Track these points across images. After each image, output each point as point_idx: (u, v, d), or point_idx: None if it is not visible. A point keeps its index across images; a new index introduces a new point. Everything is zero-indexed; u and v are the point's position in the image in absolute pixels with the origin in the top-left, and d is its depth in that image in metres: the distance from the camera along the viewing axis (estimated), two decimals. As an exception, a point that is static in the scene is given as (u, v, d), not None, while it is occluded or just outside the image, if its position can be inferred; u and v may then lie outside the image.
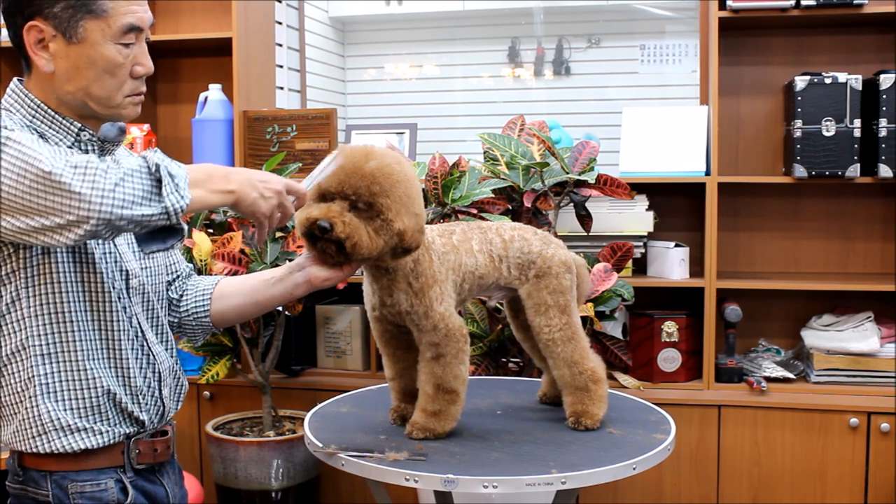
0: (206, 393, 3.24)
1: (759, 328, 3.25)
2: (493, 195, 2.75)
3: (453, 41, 5.14)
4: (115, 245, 1.54)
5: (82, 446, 1.48)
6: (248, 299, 1.72)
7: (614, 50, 4.91)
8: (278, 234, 2.83)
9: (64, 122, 1.51)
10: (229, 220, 2.88)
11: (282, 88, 3.92)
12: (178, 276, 1.76)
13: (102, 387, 1.49)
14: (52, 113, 1.50)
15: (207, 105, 3.30)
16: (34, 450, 1.47)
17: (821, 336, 3.00)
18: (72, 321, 1.47)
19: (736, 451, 2.95)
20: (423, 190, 2.75)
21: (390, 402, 1.96)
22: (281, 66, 3.91)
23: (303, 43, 4.25)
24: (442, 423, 1.81)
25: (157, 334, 1.62)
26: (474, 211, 2.71)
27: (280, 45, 3.91)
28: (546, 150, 2.83)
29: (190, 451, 3.26)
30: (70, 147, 1.51)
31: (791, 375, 3.00)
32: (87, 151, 1.53)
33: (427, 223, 2.63)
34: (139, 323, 1.57)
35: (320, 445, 1.78)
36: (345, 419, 1.99)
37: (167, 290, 1.72)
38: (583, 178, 2.71)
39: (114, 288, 1.51)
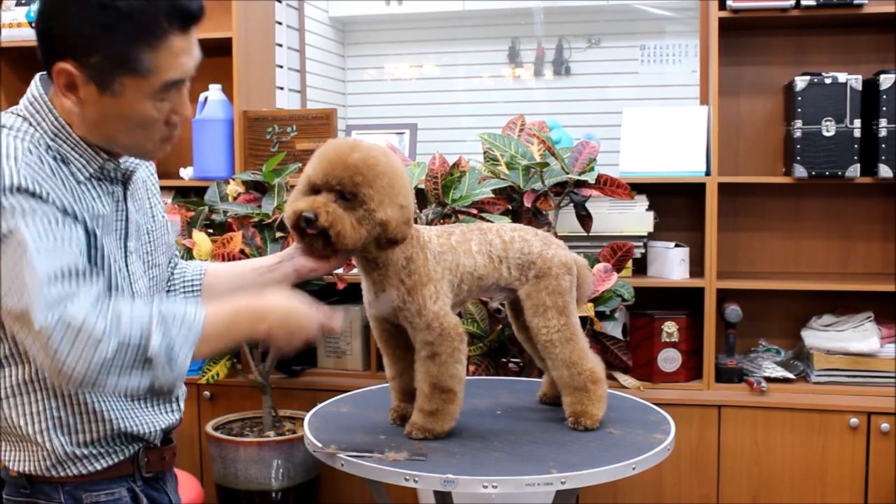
0: (207, 393, 3.24)
1: (759, 328, 3.25)
2: (493, 195, 2.75)
3: (453, 41, 5.14)
4: (127, 269, 1.47)
5: (97, 468, 1.44)
6: (236, 288, 1.70)
7: (614, 50, 4.91)
8: (278, 234, 2.84)
9: (89, 149, 1.38)
10: (229, 220, 2.88)
11: (282, 88, 3.92)
12: (175, 264, 1.73)
13: (113, 419, 1.44)
14: (77, 138, 1.37)
15: (207, 105, 3.30)
16: (47, 475, 1.42)
17: (821, 336, 3.00)
18: None
19: (736, 451, 2.95)
20: (423, 190, 2.75)
21: (390, 402, 1.96)
22: (281, 66, 3.91)
23: (303, 43, 4.25)
24: (440, 423, 1.81)
25: None
26: (474, 211, 2.71)
27: (280, 45, 3.91)
28: (546, 151, 2.83)
29: (190, 452, 3.26)
30: (92, 177, 1.40)
31: (791, 375, 3.00)
32: (111, 180, 1.43)
33: (427, 223, 2.63)
34: None
35: (320, 445, 1.78)
36: (345, 419, 1.99)
37: None
38: (583, 178, 2.71)
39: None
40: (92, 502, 1.44)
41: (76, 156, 1.38)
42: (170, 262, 1.70)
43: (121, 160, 1.45)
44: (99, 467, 1.44)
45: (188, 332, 1.31)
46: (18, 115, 1.37)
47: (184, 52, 1.35)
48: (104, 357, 1.23)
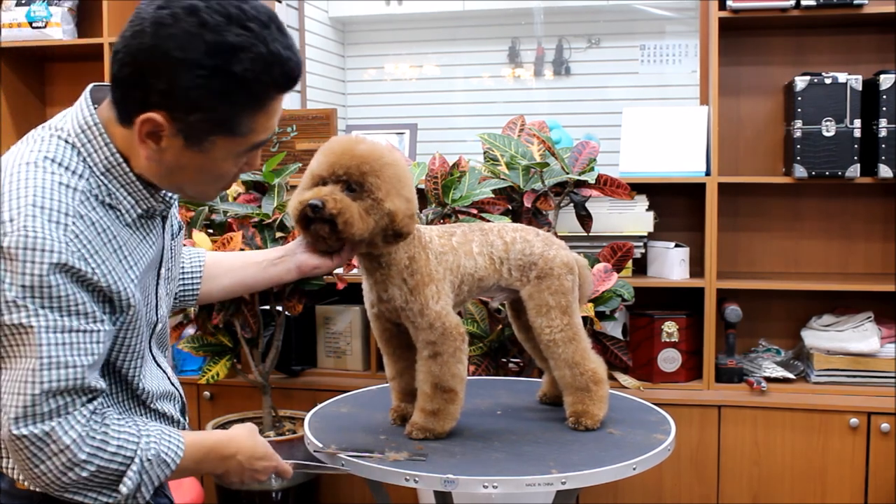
0: (207, 393, 3.24)
1: (759, 328, 3.26)
2: (493, 195, 2.75)
3: (453, 41, 5.15)
4: (156, 294, 1.45)
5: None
6: (237, 281, 1.73)
7: (614, 50, 4.92)
8: (278, 234, 2.83)
9: (144, 191, 1.33)
10: (229, 220, 2.88)
11: (282, 88, 3.92)
12: None
13: None
14: (133, 176, 1.30)
15: (207, 105, 3.30)
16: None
17: (821, 336, 3.00)
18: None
19: (736, 451, 2.95)
20: (423, 190, 2.75)
21: (390, 402, 1.96)
22: (281, 67, 3.91)
23: (303, 43, 4.26)
24: (441, 423, 1.81)
25: (165, 357, 1.58)
26: (474, 211, 2.71)
27: (280, 46, 3.90)
28: (546, 151, 2.83)
29: (190, 452, 3.26)
30: (139, 217, 1.35)
31: (791, 375, 3.00)
32: (153, 216, 1.39)
33: (427, 223, 2.63)
34: (160, 363, 1.53)
35: (320, 445, 1.78)
36: (345, 419, 1.99)
37: None
38: (583, 178, 2.71)
39: (143, 341, 1.42)
40: None
41: (126, 194, 1.31)
42: None
43: (164, 195, 1.40)
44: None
45: (162, 472, 1.34)
46: (67, 143, 1.29)
47: (277, 114, 1.33)
48: (76, 478, 1.26)
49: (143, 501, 1.34)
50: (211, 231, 2.94)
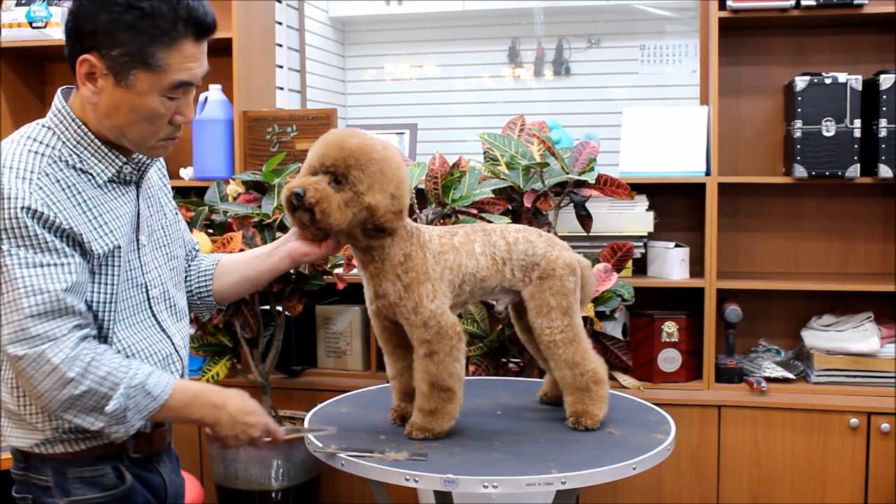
0: (207, 393, 3.23)
1: (759, 328, 3.25)
2: (493, 195, 2.75)
3: (453, 41, 5.14)
4: (139, 260, 1.59)
5: (82, 448, 1.55)
6: (241, 276, 1.83)
7: (614, 50, 4.91)
8: (278, 234, 2.84)
9: (109, 153, 1.53)
10: (229, 220, 2.88)
11: (282, 89, 3.92)
12: (193, 257, 1.85)
13: None
14: (98, 143, 1.52)
15: (207, 105, 3.30)
16: (37, 451, 1.54)
17: (821, 336, 3.00)
18: None
19: (736, 451, 2.95)
20: (423, 190, 2.75)
21: (390, 402, 1.96)
22: (281, 67, 3.91)
23: (303, 43, 4.25)
24: (440, 422, 1.81)
25: (178, 326, 1.69)
26: (474, 211, 2.71)
27: (280, 46, 3.91)
28: (546, 151, 2.83)
29: (190, 452, 3.26)
30: (111, 180, 1.54)
31: (791, 376, 3.00)
32: (127, 182, 1.58)
33: (427, 223, 2.63)
34: (166, 328, 1.64)
35: (320, 445, 1.78)
36: (345, 419, 1.99)
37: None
38: (583, 178, 2.71)
39: (135, 303, 1.59)
40: (76, 477, 1.54)
41: (96, 161, 1.52)
42: (188, 255, 1.82)
43: (134, 160, 1.58)
44: (83, 447, 1.54)
45: (148, 403, 1.49)
46: (44, 126, 1.52)
47: (193, 59, 1.50)
48: (67, 396, 1.43)
49: (132, 431, 1.50)
50: (211, 231, 2.94)
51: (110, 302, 1.53)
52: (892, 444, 2.83)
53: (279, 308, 2.96)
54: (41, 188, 1.43)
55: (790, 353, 3.18)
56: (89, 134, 1.52)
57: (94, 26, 1.44)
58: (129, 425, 1.49)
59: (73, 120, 1.52)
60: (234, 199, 2.94)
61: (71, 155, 1.50)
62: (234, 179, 3.04)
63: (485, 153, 2.92)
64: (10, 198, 1.40)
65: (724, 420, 2.95)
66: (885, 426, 2.83)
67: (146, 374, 1.49)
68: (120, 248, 1.54)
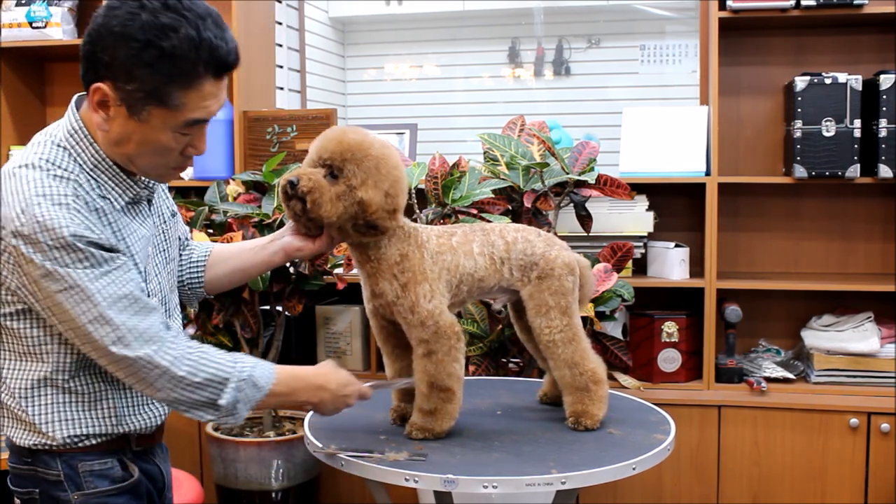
0: (206, 393, 3.23)
1: (759, 328, 3.25)
2: (493, 195, 2.75)
3: (453, 41, 5.14)
4: (144, 270, 1.58)
5: (91, 444, 1.56)
6: (234, 267, 1.83)
7: (614, 50, 4.91)
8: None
9: (127, 180, 1.52)
10: (229, 220, 2.88)
11: (282, 89, 3.92)
12: (185, 246, 1.84)
13: (116, 418, 1.57)
14: (116, 168, 1.50)
15: (207, 105, 3.30)
16: (44, 447, 1.54)
17: (821, 336, 3.00)
18: (97, 364, 1.52)
19: (736, 451, 2.95)
20: (423, 190, 2.75)
21: (390, 402, 1.96)
22: (281, 67, 3.91)
23: (303, 43, 4.25)
24: (439, 422, 1.81)
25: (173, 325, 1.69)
26: (474, 211, 2.71)
27: (280, 46, 3.91)
28: (546, 151, 2.83)
29: (190, 452, 3.26)
30: (127, 204, 1.53)
31: (791, 376, 3.00)
32: (140, 201, 1.57)
33: (427, 223, 2.63)
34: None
35: (320, 445, 1.78)
36: (345, 419, 1.99)
37: None
38: (583, 178, 2.71)
39: None
40: (87, 470, 1.55)
41: (113, 185, 1.51)
42: (181, 245, 1.82)
43: (144, 180, 1.57)
44: (93, 443, 1.56)
45: (255, 394, 1.54)
46: (59, 146, 1.48)
47: (212, 97, 1.47)
48: (179, 395, 1.48)
49: (241, 420, 1.55)
50: (211, 231, 2.94)
51: None
52: (892, 444, 2.83)
53: (279, 308, 2.96)
54: (79, 212, 1.42)
55: (790, 353, 3.18)
56: (107, 159, 1.49)
57: (112, 58, 1.41)
58: (238, 416, 1.53)
59: (91, 144, 1.49)
60: (234, 199, 2.95)
61: (88, 180, 1.48)
62: (234, 179, 3.04)
63: (485, 153, 2.92)
64: (55, 228, 1.39)
65: (724, 420, 2.95)
66: (885, 426, 2.83)
67: (252, 367, 1.54)
68: (144, 272, 1.56)
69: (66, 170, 1.45)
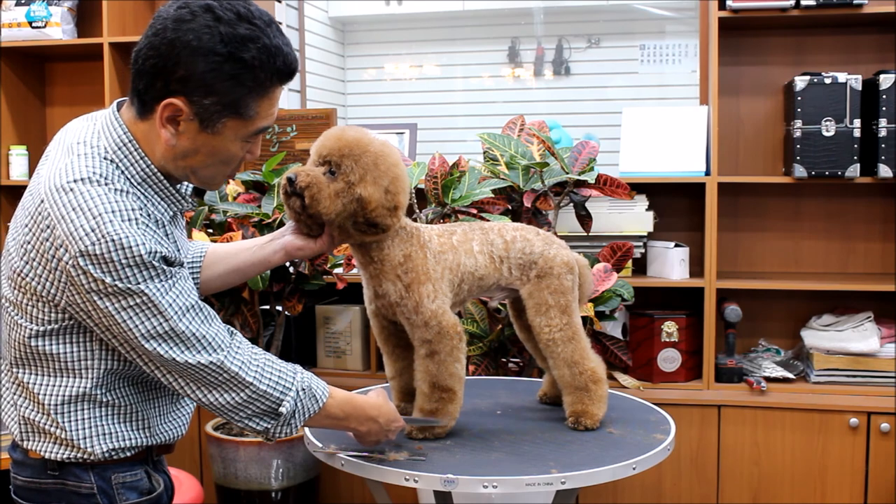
0: (206, 393, 3.23)
1: (759, 328, 3.25)
2: (492, 195, 2.75)
3: (453, 41, 5.15)
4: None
5: (122, 456, 1.54)
6: (230, 267, 1.79)
7: (614, 50, 4.92)
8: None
9: (174, 195, 1.51)
10: (229, 220, 2.88)
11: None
12: None
13: (150, 427, 1.56)
14: (165, 182, 1.48)
15: (207, 105, 3.30)
16: (75, 460, 1.51)
17: (821, 336, 3.00)
18: (133, 376, 1.52)
19: (736, 451, 2.95)
20: (423, 190, 2.75)
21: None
22: (281, 66, 3.91)
23: (303, 43, 4.26)
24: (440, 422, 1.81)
25: None
26: (474, 211, 2.71)
27: (280, 45, 3.90)
28: (546, 150, 2.83)
29: (190, 451, 3.26)
30: (172, 218, 1.52)
31: (791, 375, 3.00)
32: (177, 215, 1.57)
33: (427, 223, 2.63)
34: None
35: (320, 445, 1.78)
36: (345, 419, 1.99)
37: None
38: (583, 178, 2.71)
39: None
40: (119, 482, 1.53)
41: (159, 199, 1.49)
42: None
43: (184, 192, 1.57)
44: (123, 455, 1.54)
45: (312, 405, 1.55)
46: (106, 159, 1.43)
47: (277, 102, 1.49)
48: (243, 399, 1.47)
49: (294, 431, 1.55)
50: (211, 231, 2.94)
51: None
52: (892, 444, 2.83)
53: (279, 308, 2.96)
54: (147, 226, 1.40)
55: (790, 353, 3.18)
56: (157, 173, 1.47)
57: (189, 73, 1.38)
58: (293, 427, 1.53)
59: (142, 157, 1.45)
60: (234, 198, 2.94)
61: (137, 195, 1.44)
62: (233, 179, 3.04)
63: (484, 153, 2.92)
64: (131, 246, 1.36)
65: (724, 420, 2.95)
66: (885, 426, 2.83)
67: (310, 377, 1.55)
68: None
69: (115, 182, 1.41)
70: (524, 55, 5.07)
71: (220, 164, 1.49)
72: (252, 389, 1.47)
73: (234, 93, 1.40)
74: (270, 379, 1.49)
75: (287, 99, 3.99)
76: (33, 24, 3.40)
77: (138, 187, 1.45)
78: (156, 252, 1.38)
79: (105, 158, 1.43)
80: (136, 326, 1.39)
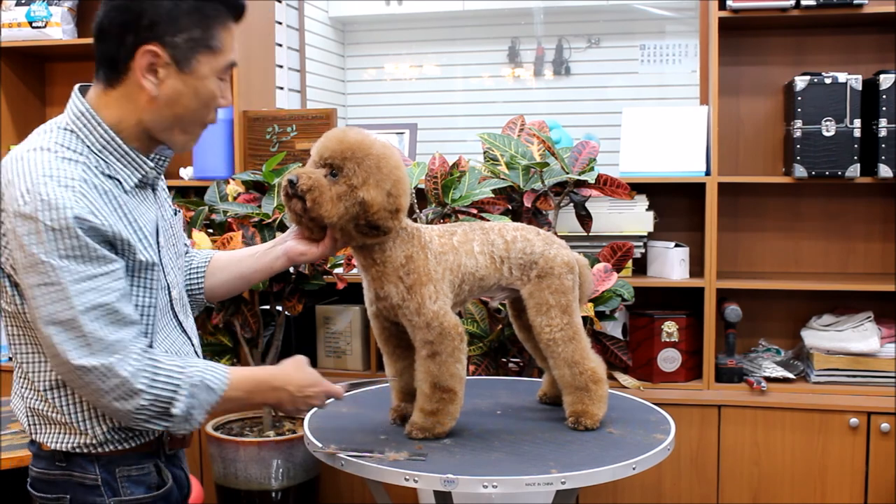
0: (206, 393, 3.23)
1: (759, 328, 3.25)
2: (493, 195, 2.75)
3: (453, 41, 5.15)
4: (160, 261, 1.58)
5: (129, 446, 1.55)
6: (234, 274, 1.81)
7: (614, 50, 4.92)
8: (278, 234, 2.83)
9: (137, 159, 1.52)
10: (229, 220, 2.88)
11: (282, 88, 3.92)
12: (185, 252, 1.83)
13: None
14: (126, 148, 1.50)
15: (207, 105, 3.30)
16: (84, 451, 1.52)
17: (821, 336, 3.00)
18: None
19: (736, 451, 2.95)
20: (423, 190, 2.75)
21: (390, 402, 1.96)
22: (281, 66, 3.92)
23: (303, 43, 4.26)
24: (441, 423, 1.81)
25: (190, 324, 1.70)
26: (474, 211, 2.71)
27: (280, 45, 3.91)
28: (546, 150, 2.83)
29: (190, 451, 3.24)
30: (135, 187, 1.53)
31: (791, 375, 3.00)
32: (146, 185, 1.57)
33: (427, 223, 2.63)
34: (186, 329, 1.65)
35: (320, 445, 1.78)
36: (345, 419, 1.99)
37: None
38: (583, 178, 2.71)
39: (163, 306, 1.58)
40: (124, 475, 1.55)
41: (121, 166, 1.51)
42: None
43: (154, 160, 1.58)
44: (131, 446, 1.55)
45: (209, 397, 1.51)
46: (66, 130, 1.49)
47: (234, 40, 1.55)
48: (135, 406, 1.44)
49: (197, 426, 1.52)
50: (211, 231, 2.94)
51: (152, 307, 1.53)
52: (892, 444, 2.83)
53: (279, 308, 2.96)
54: (84, 195, 1.41)
55: (790, 353, 3.18)
56: (116, 139, 1.50)
57: (155, 16, 1.44)
58: (194, 422, 1.51)
59: (99, 123, 1.49)
60: (234, 198, 2.94)
61: (98, 161, 1.48)
62: (233, 179, 3.04)
63: (485, 153, 2.92)
64: (58, 207, 1.37)
65: (724, 420, 2.95)
66: (885, 426, 2.83)
67: (203, 370, 1.51)
68: (159, 255, 1.56)
69: (75, 151, 1.45)
70: (524, 55, 5.07)
71: (203, 107, 1.52)
72: (142, 396, 1.43)
73: (200, 24, 1.47)
74: (159, 382, 1.45)
75: (287, 99, 3.99)
76: (33, 24, 3.40)
77: (98, 154, 1.48)
78: (84, 220, 1.39)
79: (65, 129, 1.49)
80: (42, 306, 1.39)
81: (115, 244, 1.44)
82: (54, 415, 1.50)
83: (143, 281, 1.51)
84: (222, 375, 1.52)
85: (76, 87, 1.54)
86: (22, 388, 1.54)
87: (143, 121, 1.50)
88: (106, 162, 1.49)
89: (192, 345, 1.67)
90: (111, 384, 1.42)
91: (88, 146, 1.48)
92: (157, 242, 1.58)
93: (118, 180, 1.49)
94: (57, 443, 1.52)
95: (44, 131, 1.50)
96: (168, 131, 1.53)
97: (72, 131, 1.49)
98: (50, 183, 1.39)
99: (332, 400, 1.68)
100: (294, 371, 1.63)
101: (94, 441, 1.51)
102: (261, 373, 1.62)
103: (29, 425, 1.54)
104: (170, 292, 1.61)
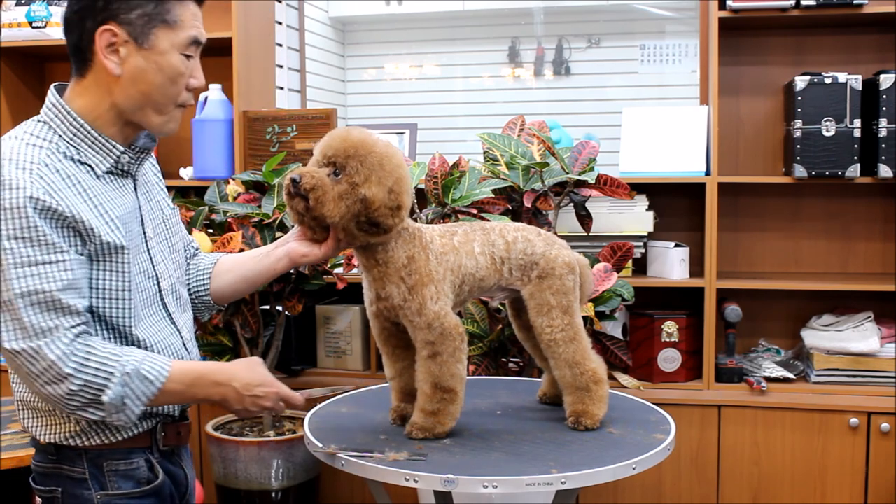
0: (206, 393, 3.23)
1: (759, 328, 3.25)
2: (493, 195, 2.75)
3: (453, 41, 5.14)
4: (149, 252, 1.60)
5: (118, 439, 1.56)
6: (238, 276, 1.82)
7: (614, 50, 4.91)
8: (278, 234, 2.83)
9: (107, 144, 1.55)
10: (229, 220, 2.88)
11: (282, 88, 3.92)
12: (193, 255, 1.85)
13: None
14: (96, 134, 1.54)
15: (207, 105, 3.30)
16: (72, 443, 1.54)
17: (821, 336, 3.00)
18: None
19: (736, 451, 2.95)
20: (423, 190, 2.75)
21: (390, 402, 1.96)
22: (281, 66, 3.91)
23: (303, 43, 4.25)
24: (441, 423, 1.81)
25: (184, 318, 1.70)
26: (474, 211, 2.71)
27: (280, 45, 3.91)
28: (546, 150, 2.83)
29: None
30: (108, 172, 1.55)
31: (791, 375, 3.00)
32: (123, 174, 1.59)
33: (427, 223, 2.63)
34: (175, 321, 1.66)
35: (320, 445, 1.78)
36: (345, 419, 1.99)
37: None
38: (583, 178, 2.71)
39: (148, 295, 1.60)
40: (112, 469, 1.55)
41: (93, 153, 1.53)
42: (186, 250, 1.82)
43: (131, 149, 1.59)
44: (119, 438, 1.55)
45: (145, 388, 1.49)
46: (39, 121, 1.54)
47: (198, 19, 1.57)
48: (64, 392, 1.44)
49: (133, 418, 1.50)
50: (211, 231, 2.94)
51: (125, 291, 1.53)
52: (892, 444, 2.83)
53: (279, 308, 2.96)
54: (42, 177, 1.43)
55: (790, 353, 3.18)
56: (85, 125, 1.53)
57: None
58: (129, 412, 1.48)
59: (69, 113, 1.53)
60: (234, 198, 2.94)
61: (68, 147, 1.51)
62: (233, 179, 3.04)
63: (485, 153, 2.92)
64: (12, 188, 1.41)
65: (724, 420, 2.95)
66: (885, 426, 2.83)
67: (140, 360, 1.49)
68: (146, 244, 1.58)
69: (41, 138, 1.50)
70: (524, 55, 5.07)
71: (169, 82, 1.53)
72: (71, 381, 1.43)
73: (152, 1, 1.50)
74: (90, 368, 1.44)
75: (287, 99, 3.99)
76: (33, 24, 3.40)
77: (70, 141, 1.52)
78: (39, 200, 1.41)
79: (39, 121, 1.54)
80: None
81: (76, 227, 1.46)
82: (40, 403, 1.53)
83: (111, 265, 1.51)
84: (161, 367, 1.50)
85: (53, 85, 1.59)
86: (13, 381, 1.58)
87: (115, 104, 1.53)
88: (77, 148, 1.52)
89: (181, 338, 1.66)
90: (39, 367, 1.42)
91: (60, 135, 1.52)
92: (144, 232, 1.60)
93: (90, 166, 1.53)
94: (45, 434, 1.54)
95: (21, 124, 1.55)
96: (141, 111, 1.55)
97: (44, 122, 1.53)
98: (8, 165, 1.43)
99: (306, 401, 1.68)
100: (242, 369, 1.61)
101: (76, 430, 1.52)
102: (204, 367, 1.60)
103: (22, 418, 1.57)
104: (159, 283, 1.62)
